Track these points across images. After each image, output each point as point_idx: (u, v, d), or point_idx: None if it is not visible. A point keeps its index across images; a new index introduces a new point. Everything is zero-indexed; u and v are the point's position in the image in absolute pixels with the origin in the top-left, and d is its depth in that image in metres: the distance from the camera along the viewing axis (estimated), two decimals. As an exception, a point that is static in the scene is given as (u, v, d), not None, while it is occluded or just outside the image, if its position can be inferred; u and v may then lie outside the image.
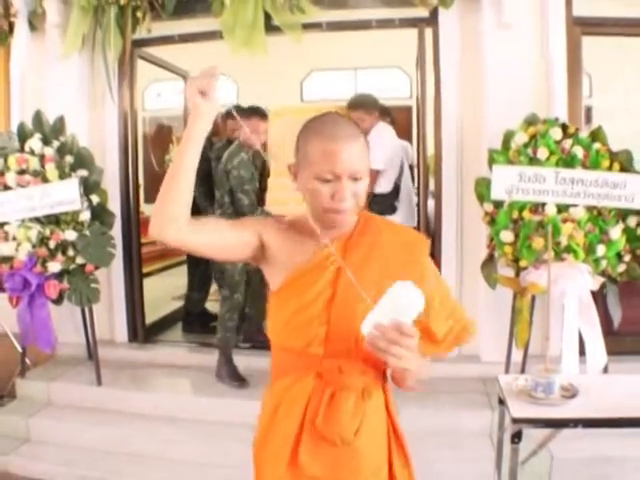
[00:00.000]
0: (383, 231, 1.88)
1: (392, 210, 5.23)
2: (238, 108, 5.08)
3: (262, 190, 5.24)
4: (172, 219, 1.64)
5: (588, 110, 9.39)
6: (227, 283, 4.80)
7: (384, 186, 5.25)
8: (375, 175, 4.99)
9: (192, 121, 1.64)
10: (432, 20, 4.71)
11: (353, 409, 1.79)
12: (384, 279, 1.61)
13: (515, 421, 2.90)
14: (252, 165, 4.80)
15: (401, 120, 5.57)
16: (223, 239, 1.81)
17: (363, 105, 5.31)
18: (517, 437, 2.92)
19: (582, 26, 4.69)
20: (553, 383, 3.03)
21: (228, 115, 5.54)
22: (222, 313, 4.80)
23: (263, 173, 5.28)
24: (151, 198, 5.99)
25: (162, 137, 8.23)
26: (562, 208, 3.89)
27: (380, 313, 1.50)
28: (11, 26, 5.30)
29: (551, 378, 3.04)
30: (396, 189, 5.27)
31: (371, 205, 4.90)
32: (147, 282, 5.77)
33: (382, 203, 5.14)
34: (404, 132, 5.73)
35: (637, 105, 7.43)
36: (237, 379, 4.71)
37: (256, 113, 4.83)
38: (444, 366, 4.59)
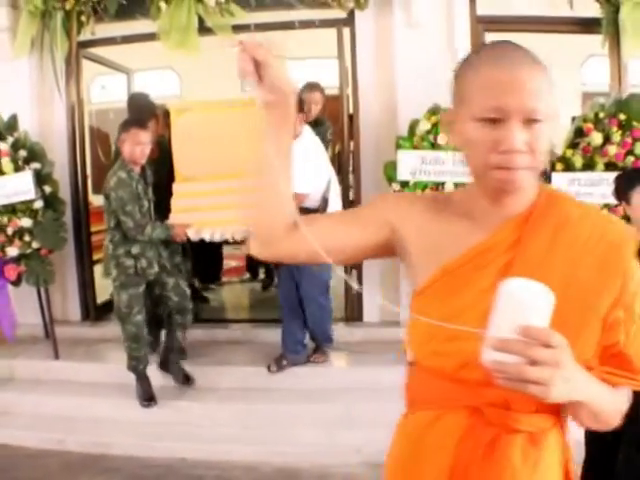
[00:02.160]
0: (574, 216, 1.34)
1: None
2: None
3: (166, 198, 4.86)
4: (271, 233, 1.42)
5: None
6: (116, 314, 4.65)
7: (312, 201, 4.66)
8: (302, 199, 4.48)
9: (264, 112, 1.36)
10: (349, 21, 5.20)
11: (521, 459, 1.31)
12: (569, 284, 1.26)
13: (412, 364, 3.46)
14: (138, 181, 4.46)
15: (333, 109, 5.82)
16: (342, 242, 1.44)
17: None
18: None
19: (485, 24, 5.22)
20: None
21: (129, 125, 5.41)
22: (123, 340, 4.65)
23: (160, 183, 4.88)
24: (98, 189, 6.32)
25: (108, 129, 8.50)
26: (459, 186, 4.45)
27: (498, 327, 1.10)
28: (-38, 30, 5.62)
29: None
30: (324, 203, 4.70)
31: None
32: (97, 268, 5.93)
33: None
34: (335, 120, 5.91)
35: (562, 88, 8.06)
36: (146, 398, 4.64)
37: (135, 124, 4.53)
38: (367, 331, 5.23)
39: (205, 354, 5.20)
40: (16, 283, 5.01)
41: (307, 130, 4.74)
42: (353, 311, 5.50)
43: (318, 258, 1.36)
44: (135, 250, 4.45)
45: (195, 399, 4.73)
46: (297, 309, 4.85)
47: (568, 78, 8.38)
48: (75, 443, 4.47)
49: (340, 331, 5.20)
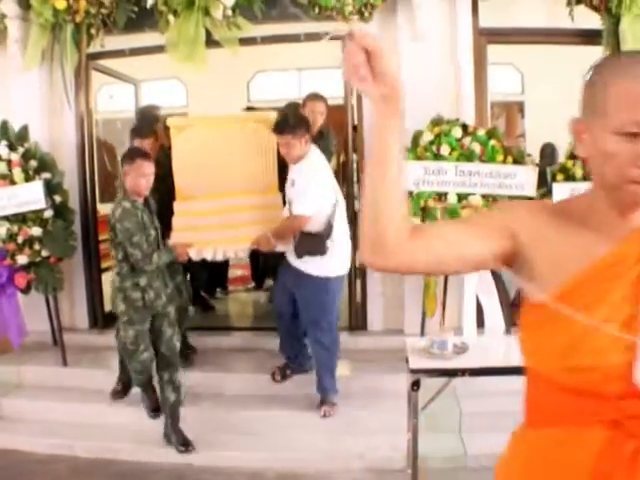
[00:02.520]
0: None
1: (322, 251, 4.46)
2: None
3: (167, 216, 4.81)
4: (386, 238, 1.31)
5: (520, 105, 10.19)
6: (121, 350, 4.57)
7: (315, 225, 4.47)
8: (305, 221, 4.44)
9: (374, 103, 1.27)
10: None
11: None
12: None
13: (413, 372, 3.54)
14: (142, 211, 4.32)
15: (337, 119, 5.85)
16: (459, 253, 1.38)
17: (291, 128, 4.51)
18: (415, 385, 3.54)
19: (487, 36, 5.32)
20: (446, 341, 3.68)
21: (133, 133, 5.43)
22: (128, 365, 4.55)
23: (162, 200, 4.83)
24: (105, 198, 6.38)
25: (115, 138, 8.56)
26: (462, 196, 4.54)
27: None
28: (-26, 41, 5.73)
29: (444, 337, 3.70)
30: (329, 228, 4.48)
31: (298, 245, 4.49)
32: (106, 276, 5.89)
33: (310, 243, 4.48)
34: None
35: (563, 98, 8.18)
36: (153, 409, 4.60)
37: (139, 155, 4.39)
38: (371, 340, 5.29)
39: (210, 361, 5.29)
40: (25, 291, 5.09)
41: (314, 150, 4.62)
42: (357, 319, 5.56)
43: (436, 270, 1.41)
44: (143, 282, 4.34)
45: (200, 405, 4.80)
46: (292, 324, 4.84)
47: (573, 88, 8.47)
48: (83, 449, 4.56)
49: (344, 339, 5.27)
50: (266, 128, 4.75)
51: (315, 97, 5.64)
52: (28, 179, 5.01)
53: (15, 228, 4.98)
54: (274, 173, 4.89)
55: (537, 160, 5.89)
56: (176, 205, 4.87)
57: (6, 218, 4.99)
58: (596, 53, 5.22)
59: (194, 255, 4.69)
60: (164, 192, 4.91)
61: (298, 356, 4.95)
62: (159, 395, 4.49)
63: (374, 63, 1.22)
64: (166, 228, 4.73)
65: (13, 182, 5.01)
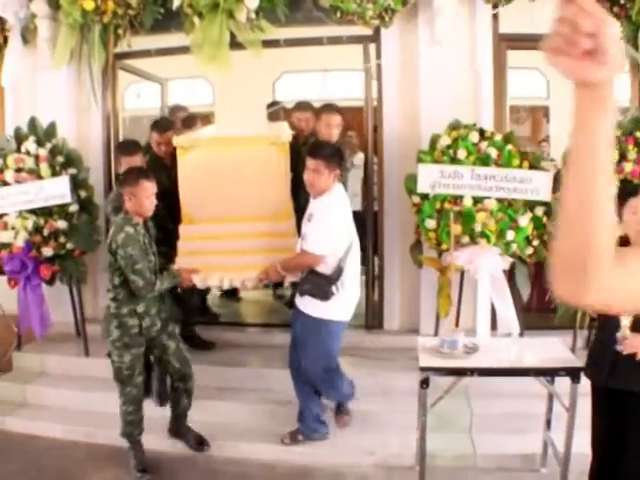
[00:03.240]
0: None
1: (326, 296, 4.10)
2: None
3: (171, 237, 4.64)
4: (589, 265, 1.07)
5: (546, 110, 10.22)
6: (116, 377, 4.26)
7: (324, 267, 4.13)
8: (316, 261, 4.11)
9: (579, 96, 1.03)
10: (375, 37, 5.35)
11: None
12: None
13: (423, 369, 3.63)
14: (144, 236, 4.14)
15: (358, 121, 5.82)
16: None
17: (326, 154, 4.16)
18: (425, 383, 3.64)
19: (507, 41, 5.35)
20: (457, 341, 3.76)
21: (152, 127, 5.43)
22: (120, 405, 4.30)
23: (165, 224, 4.64)
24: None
25: (141, 136, 8.65)
26: (477, 200, 4.60)
27: None
28: (5, 40, 5.91)
29: (455, 336, 3.78)
30: (338, 271, 4.11)
31: (303, 284, 4.19)
32: None
33: (316, 284, 4.12)
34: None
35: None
36: (141, 469, 4.30)
37: (142, 175, 4.13)
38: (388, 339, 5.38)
39: (223, 356, 5.40)
40: (50, 282, 5.24)
41: (339, 188, 4.27)
42: (374, 319, 5.63)
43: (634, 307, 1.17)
44: (140, 309, 4.16)
45: (215, 398, 4.91)
46: (303, 375, 4.40)
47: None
48: (102, 436, 4.70)
49: (361, 338, 5.36)
50: (280, 151, 4.49)
51: (330, 109, 5.38)
52: (55, 174, 5.16)
53: (41, 221, 5.12)
54: (288, 199, 4.62)
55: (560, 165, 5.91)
56: (181, 229, 4.59)
57: (33, 211, 5.14)
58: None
59: (199, 282, 4.46)
60: (162, 213, 4.47)
61: (314, 423, 4.51)
62: (171, 410, 4.55)
63: (600, 40, 0.96)
64: (165, 252, 4.50)
65: (40, 177, 5.15)
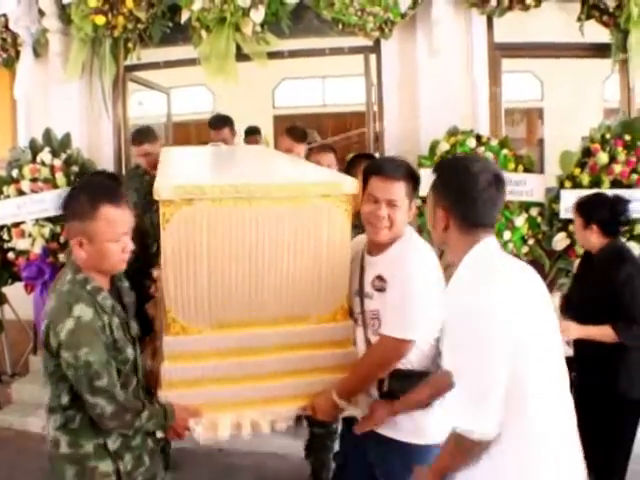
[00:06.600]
0: None
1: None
2: None
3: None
4: None
5: (540, 111, 10.44)
6: None
7: (416, 358, 2.55)
8: (404, 350, 2.50)
9: None
10: (375, 48, 5.58)
11: None
12: None
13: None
14: (112, 309, 2.34)
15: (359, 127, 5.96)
16: None
17: (404, 174, 2.60)
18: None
19: (502, 50, 5.59)
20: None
21: (133, 139, 4.82)
22: None
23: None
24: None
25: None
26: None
27: None
28: (17, 53, 6.07)
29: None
30: (434, 368, 2.57)
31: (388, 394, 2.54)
32: None
33: (408, 389, 2.51)
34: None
35: (579, 106, 8.52)
36: None
37: (105, 196, 2.34)
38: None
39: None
40: (66, 288, 5.40)
41: (413, 231, 2.71)
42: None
43: None
44: (113, 443, 2.38)
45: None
46: None
47: (590, 95, 8.76)
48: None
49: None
50: (339, 208, 2.61)
51: (322, 149, 4.51)
52: (70, 183, 5.31)
53: (58, 229, 5.30)
54: (345, 285, 2.73)
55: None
56: (166, 341, 2.56)
57: (49, 219, 5.31)
58: (606, 65, 5.52)
59: (201, 436, 2.60)
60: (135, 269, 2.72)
61: None
62: None
63: None
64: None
65: (56, 186, 5.33)
